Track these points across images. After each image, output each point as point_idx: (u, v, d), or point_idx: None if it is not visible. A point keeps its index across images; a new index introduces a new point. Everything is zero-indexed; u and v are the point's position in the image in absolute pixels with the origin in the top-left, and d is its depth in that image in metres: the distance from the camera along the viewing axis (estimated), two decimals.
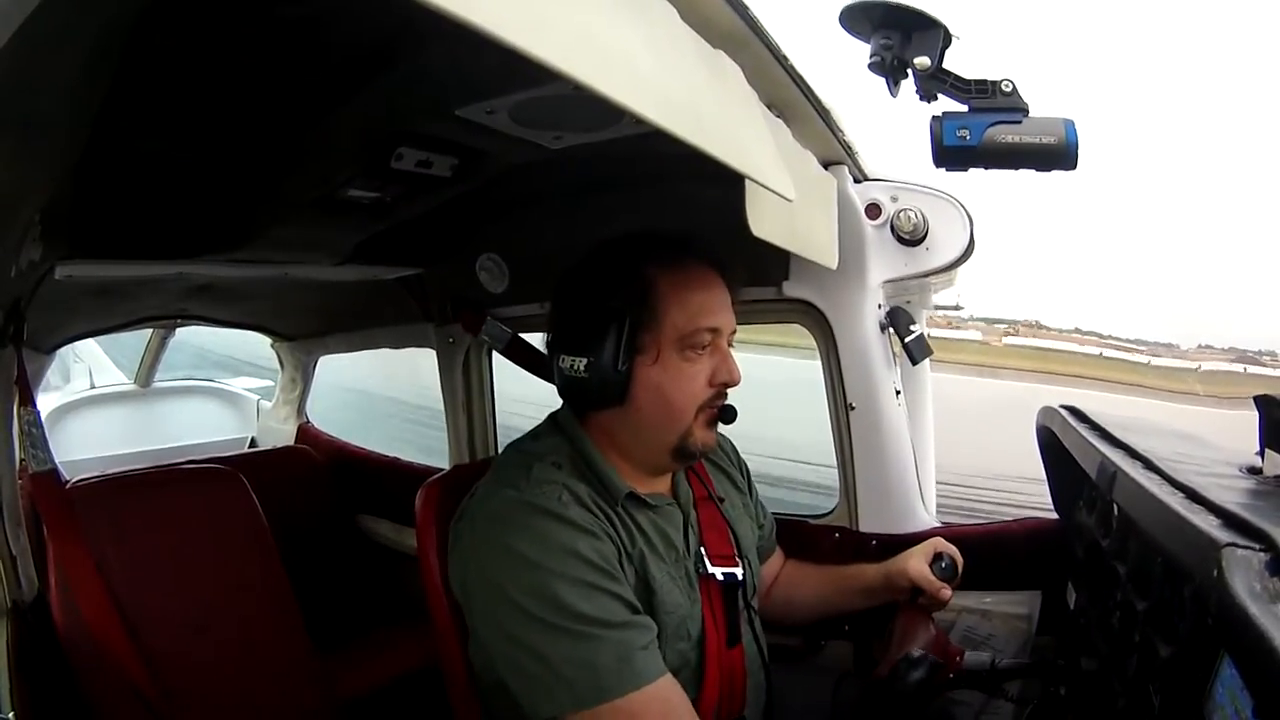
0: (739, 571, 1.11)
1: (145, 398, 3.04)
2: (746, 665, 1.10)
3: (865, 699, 1.11)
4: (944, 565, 1.16)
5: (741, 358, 1.08)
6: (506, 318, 1.87)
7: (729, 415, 1.08)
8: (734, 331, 1.08)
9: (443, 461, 2.16)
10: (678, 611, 1.02)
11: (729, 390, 1.07)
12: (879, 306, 1.41)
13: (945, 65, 0.94)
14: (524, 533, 0.93)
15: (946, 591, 1.15)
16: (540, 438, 1.10)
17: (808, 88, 1.03)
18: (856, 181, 1.37)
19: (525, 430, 1.14)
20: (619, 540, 0.99)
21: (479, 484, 1.05)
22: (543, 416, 1.13)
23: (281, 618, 1.66)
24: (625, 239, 1.08)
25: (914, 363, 1.44)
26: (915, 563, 1.17)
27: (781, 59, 0.93)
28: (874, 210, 1.36)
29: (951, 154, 0.96)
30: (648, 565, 1.01)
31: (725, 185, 0.76)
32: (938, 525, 1.47)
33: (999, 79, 0.94)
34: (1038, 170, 0.96)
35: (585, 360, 1.01)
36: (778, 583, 1.34)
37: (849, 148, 1.28)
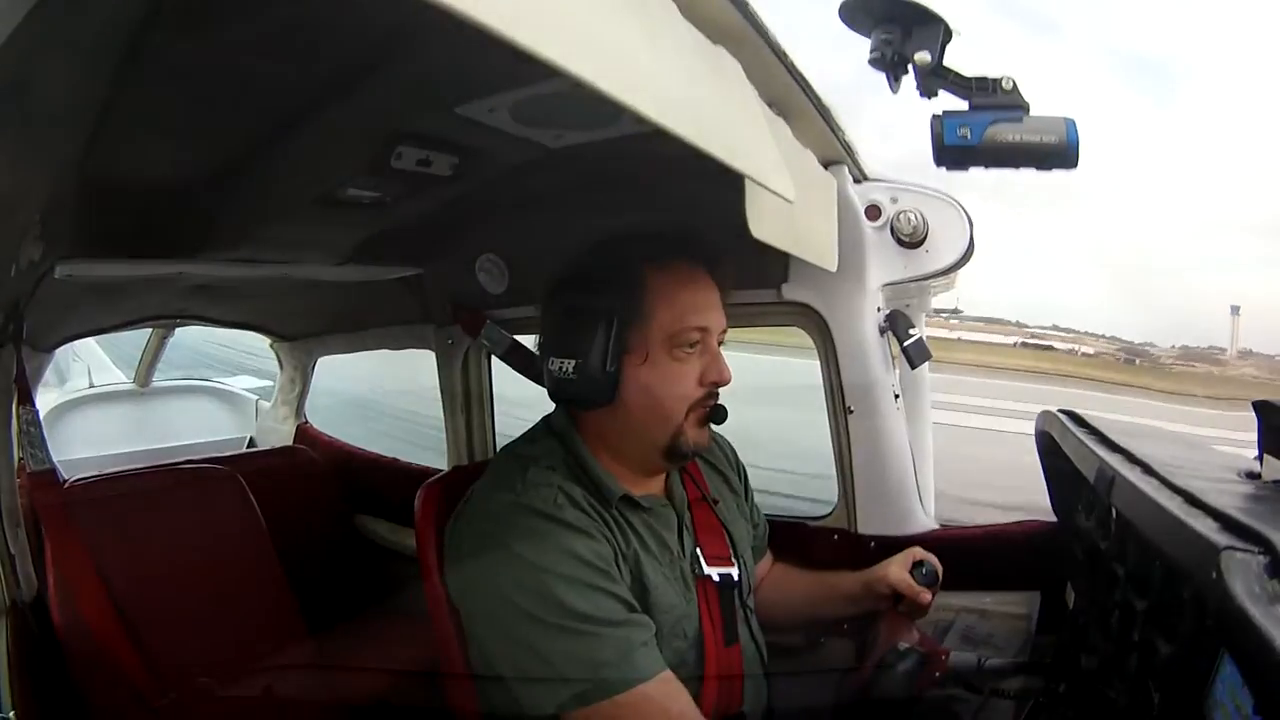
0: (734, 571, 1.11)
1: (144, 397, 3.04)
2: (745, 664, 1.10)
3: (853, 693, 1.11)
4: (924, 571, 1.16)
5: None
6: (506, 319, 1.87)
7: (720, 415, 1.08)
8: (724, 331, 1.08)
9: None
10: (673, 612, 1.02)
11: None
12: (878, 310, 1.41)
13: (945, 62, 0.94)
14: (521, 535, 0.93)
15: (926, 595, 1.15)
16: (535, 440, 1.10)
17: (808, 86, 1.03)
18: (856, 182, 1.36)
19: None
20: (614, 541, 0.99)
21: (474, 487, 1.05)
22: None
23: (279, 617, 1.66)
24: (611, 239, 1.08)
25: (913, 367, 1.43)
26: (895, 569, 1.17)
27: (782, 56, 0.93)
28: (874, 212, 1.36)
29: (952, 153, 0.96)
30: (642, 566, 1.01)
31: (725, 185, 0.75)
32: (936, 527, 1.47)
33: (999, 76, 0.94)
34: (1038, 169, 0.96)
35: (574, 362, 1.01)
36: (764, 585, 1.34)
37: (849, 147, 1.28)
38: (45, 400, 2.79)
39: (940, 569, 1.18)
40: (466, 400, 2.10)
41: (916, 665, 1.06)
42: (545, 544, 0.93)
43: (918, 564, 1.17)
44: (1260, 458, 0.89)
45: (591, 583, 0.92)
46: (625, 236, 1.08)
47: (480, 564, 0.96)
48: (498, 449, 2.13)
